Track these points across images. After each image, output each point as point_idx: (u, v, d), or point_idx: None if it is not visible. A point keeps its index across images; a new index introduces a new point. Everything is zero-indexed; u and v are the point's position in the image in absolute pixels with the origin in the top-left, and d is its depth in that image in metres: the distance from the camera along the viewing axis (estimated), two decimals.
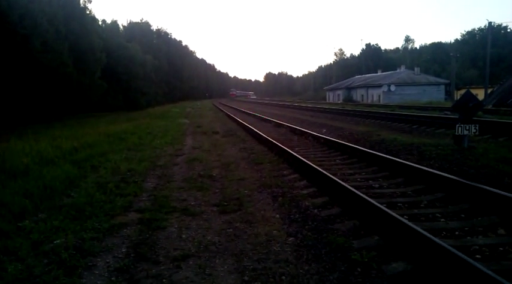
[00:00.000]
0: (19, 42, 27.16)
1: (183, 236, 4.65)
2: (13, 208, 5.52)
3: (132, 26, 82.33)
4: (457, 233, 4.43)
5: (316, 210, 5.41)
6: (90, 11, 44.43)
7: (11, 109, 27.98)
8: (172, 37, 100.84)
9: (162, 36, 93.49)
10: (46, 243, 4.39)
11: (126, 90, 55.76)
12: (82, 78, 37.50)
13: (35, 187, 6.68)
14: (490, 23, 44.26)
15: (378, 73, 72.19)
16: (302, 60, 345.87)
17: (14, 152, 10.82)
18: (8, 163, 8.91)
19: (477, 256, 3.80)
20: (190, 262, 3.93)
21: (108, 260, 4.02)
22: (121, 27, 78.32)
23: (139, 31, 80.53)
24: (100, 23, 56.48)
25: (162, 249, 4.28)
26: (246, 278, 3.58)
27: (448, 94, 53.73)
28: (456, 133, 8.90)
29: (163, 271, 3.77)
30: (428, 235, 3.66)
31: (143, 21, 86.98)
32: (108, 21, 70.47)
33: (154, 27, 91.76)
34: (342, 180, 6.21)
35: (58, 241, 4.42)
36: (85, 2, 43.18)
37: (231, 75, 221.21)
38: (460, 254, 3.25)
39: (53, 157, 10.00)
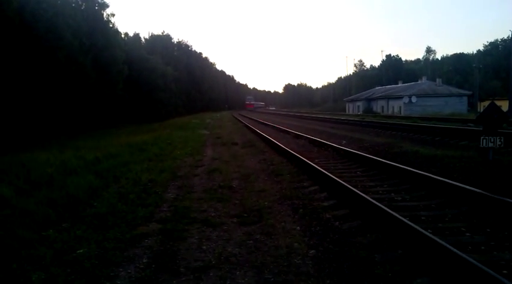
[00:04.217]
0: (44, 54, 27.92)
1: (204, 247, 4.66)
2: (37, 218, 5.64)
3: (153, 38, 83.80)
4: (483, 247, 4.31)
5: (337, 223, 5.35)
6: (113, 25, 45.57)
7: (37, 122, 28.64)
8: (193, 49, 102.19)
9: (183, 48, 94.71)
10: (69, 252, 4.46)
11: (147, 102, 56.60)
12: (105, 89, 38.26)
13: (59, 196, 6.82)
14: None
15: (399, 85, 71.33)
16: (321, 72, 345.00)
17: (39, 162, 11.07)
18: (33, 174, 9.12)
19: (504, 271, 3.69)
20: (211, 274, 3.93)
21: (129, 271, 4.05)
22: (143, 39, 79.99)
23: (161, 43, 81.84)
24: (123, 35, 57.85)
25: (182, 260, 4.29)
26: None
27: (471, 105, 52.74)
28: (481, 146, 8.72)
29: (184, 282, 3.78)
30: (453, 249, 3.58)
31: (164, 33, 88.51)
32: (131, 34, 72.23)
33: (175, 40, 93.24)
34: (363, 192, 6.14)
35: (81, 251, 4.48)
36: (108, 15, 44.32)
37: (250, 86, 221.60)
38: (486, 269, 3.17)
39: (76, 167, 10.21)
